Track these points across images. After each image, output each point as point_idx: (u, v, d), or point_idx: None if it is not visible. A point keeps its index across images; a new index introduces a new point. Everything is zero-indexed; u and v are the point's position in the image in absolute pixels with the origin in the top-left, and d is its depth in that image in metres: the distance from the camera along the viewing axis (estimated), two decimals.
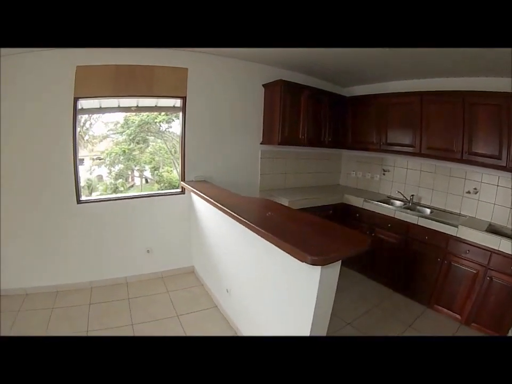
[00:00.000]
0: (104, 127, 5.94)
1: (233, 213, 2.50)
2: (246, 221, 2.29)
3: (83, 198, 3.76)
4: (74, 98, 3.40)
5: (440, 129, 3.71)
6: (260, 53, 3.77)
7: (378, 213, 4.09)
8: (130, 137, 4.53)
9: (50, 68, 3.25)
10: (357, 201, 4.39)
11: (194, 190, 3.57)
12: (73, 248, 3.72)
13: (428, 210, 4.03)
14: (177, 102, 4.01)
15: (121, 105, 4.14)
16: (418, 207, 4.17)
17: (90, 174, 8.52)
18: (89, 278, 3.82)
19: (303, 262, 1.70)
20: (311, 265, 1.73)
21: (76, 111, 3.47)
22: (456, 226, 3.31)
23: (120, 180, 4.95)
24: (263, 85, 4.27)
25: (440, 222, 3.48)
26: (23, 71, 3.18)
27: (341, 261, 1.89)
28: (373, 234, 4.07)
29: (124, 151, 6.46)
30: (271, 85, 4.17)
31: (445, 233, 3.42)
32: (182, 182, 4.03)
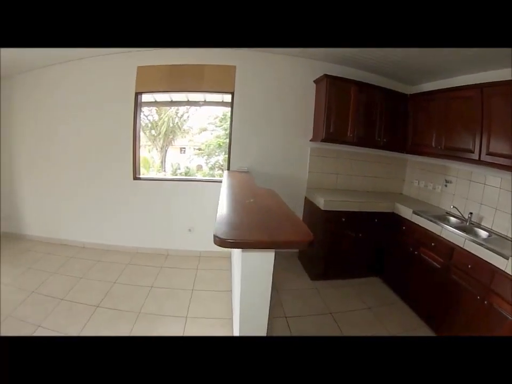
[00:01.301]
0: (205, 120, 6.59)
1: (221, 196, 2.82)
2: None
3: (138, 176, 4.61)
4: (135, 93, 4.22)
5: (506, 130, 2.87)
6: (310, 49, 3.83)
7: (425, 229, 3.43)
8: (227, 132, 4.78)
9: (116, 68, 4.22)
10: (406, 212, 3.82)
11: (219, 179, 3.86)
12: (126, 215, 4.66)
13: (485, 234, 3.22)
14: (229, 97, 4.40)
15: (190, 100, 4.73)
16: (475, 229, 3.34)
17: (190, 162, 9.53)
18: (136, 243, 4.68)
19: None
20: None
21: (137, 104, 4.29)
22: (507, 258, 2.49)
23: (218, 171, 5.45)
24: (314, 81, 4.25)
25: (488, 249, 2.69)
26: (96, 72, 4.28)
27: (273, 251, 1.93)
28: (415, 253, 3.50)
29: (220, 145, 7.13)
30: (318, 80, 4.15)
31: (491, 264, 2.62)
32: (225, 171, 4.37)
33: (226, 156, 4.54)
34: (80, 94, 4.40)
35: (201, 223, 4.51)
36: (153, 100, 4.73)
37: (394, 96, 4.23)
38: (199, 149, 9.64)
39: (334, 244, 3.87)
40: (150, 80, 4.18)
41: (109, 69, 4.24)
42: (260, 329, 2.12)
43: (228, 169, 4.44)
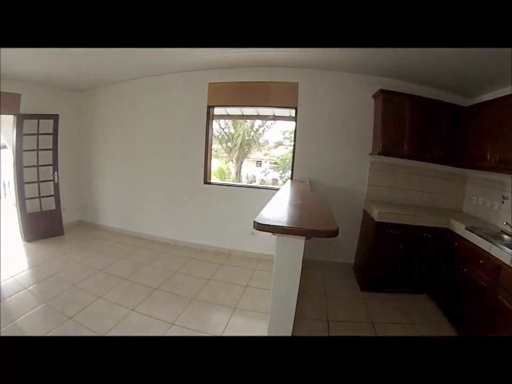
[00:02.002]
0: (281, 134, 6.90)
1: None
2: None
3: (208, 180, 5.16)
4: (208, 106, 4.78)
5: None
6: (368, 64, 3.95)
7: (475, 245, 3.16)
8: None
9: (190, 83, 4.90)
10: (459, 228, 3.56)
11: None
12: (194, 215, 5.24)
13: None
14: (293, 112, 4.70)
15: (260, 114, 5.14)
16: None
17: (265, 175, 9.84)
18: (201, 241, 5.21)
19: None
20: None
21: (209, 116, 4.86)
22: None
23: None
24: (372, 96, 4.33)
25: None
26: (171, 87, 5.03)
27: (303, 237, 2.14)
28: (465, 270, 3.24)
29: None
30: (375, 95, 4.21)
31: None
32: (288, 181, 4.64)
33: None
34: (157, 106, 5.26)
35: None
36: (226, 113, 5.19)
37: (450, 109, 4.09)
38: (275, 163, 9.99)
39: (385, 256, 3.83)
40: (221, 95, 4.73)
41: (183, 84, 4.96)
42: (289, 310, 2.32)
43: (291, 179, 4.68)
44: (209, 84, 4.73)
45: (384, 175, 4.51)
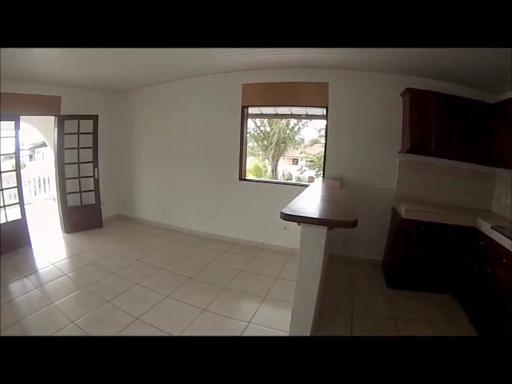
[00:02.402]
0: (316, 133, 6.96)
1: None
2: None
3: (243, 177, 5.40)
4: (242, 106, 5.01)
5: None
6: (396, 64, 3.95)
7: (499, 244, 3.04)
8: None
9: (225, 85, 5.14)
10: (485, 228, 3.44)
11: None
12: (229, 210, 5.51)
13: None
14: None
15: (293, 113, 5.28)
16: None
17: (301, 173, 9.93)
18: (235, 235, 5.47)
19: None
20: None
21: (243, 115, 5.08)
22: None
23: None
24: (400, 94, 4.32)
25: None
26: (208, 88, 5.33)
27: (326, 227, 2.30)
28: (488, 270, 3.14)
29: None
30: (403, 94, 4.21)
31: None
32: (319, 178, 4.72)
33: None
34: (193, 106, 5.57)
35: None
36: (260, 112, 5.37)
37: (478, 106, 3.97)
38: (311, 161, 10.03)
39: (411, 253, 3.82)
40: (253, 95, 4.94)
41: (218, 85, 5.22)
42: (311, 296, 2.48)
43: (323, 177, 4.80)
44: (242, 85, 4.96)
45: (413, 173, 4.49)
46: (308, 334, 2.57)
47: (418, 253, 3.79)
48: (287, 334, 2.71)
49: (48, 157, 13.45)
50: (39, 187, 9.02)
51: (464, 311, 3.47)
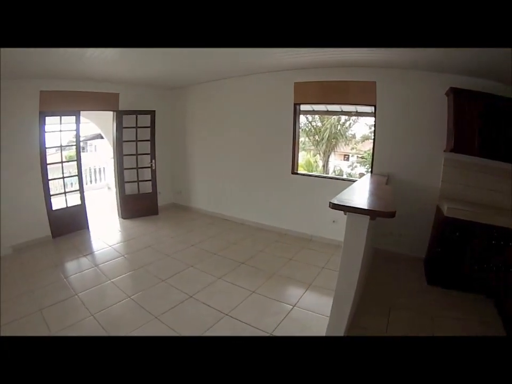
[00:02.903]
0: (368, 129, 7.00)
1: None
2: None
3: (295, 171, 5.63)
4: (294, 103, 5.24)
5: None
6: (443, 63, 3.92)
7: None
8: None
9: (278, 83, 5.40)
10: None
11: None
12: (281, 202, 5.78)
13: None
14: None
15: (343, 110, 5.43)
16: None
17: (352, 169, 9.89)
18: (285, 226, 5.76)
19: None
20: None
21: (295, 112, 5.30)
22: None
23: None
24: (445, 94, 4.27)
25: None
26: (261, 86, 5.63)
27: (368, 216, 2.49)
28: None
29: None
30: (447, 93, 4.16)
31: None
32: (368, 174, 4.87)
33: None
34: (247, 102, 5.91)
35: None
36: (311, 109, 5.54)
37: None
38: (362, 157, 9.94)
39: (452, 251, 3.82)
40: (305, 93, 5.14)
41: (271, 83, 5.48)
42: (353, 279, 2.65)
43: (371, 173, 4.90)
44: (295, 83, 5.17)
45: (458, 172, 4.42)
46: (346, 319, 2.75)
47: (458, 251, 3.79)
48: (327, 319, 2.88)
49: (100, 148, 14.55)
50: (92, 177, 9.81)
51: (497, 312, 3.43)
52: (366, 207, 2.52)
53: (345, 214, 2.57)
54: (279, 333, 2.97)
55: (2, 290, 3.70)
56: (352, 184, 3.95)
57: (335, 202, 2.54)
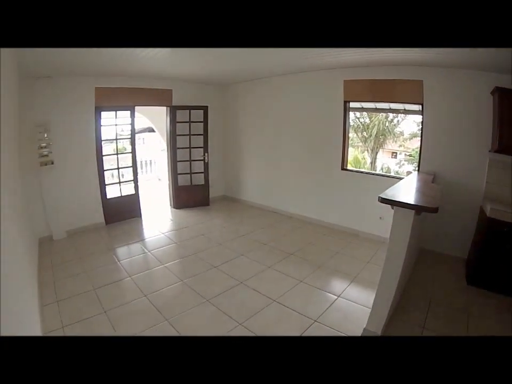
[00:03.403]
0: (416, 126, 6.94)
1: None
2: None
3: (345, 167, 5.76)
4: (344, 101, 5.36)
5: None
6: (489, 62, 3.80)
7: None
8: None
9: (327, 80, 5.53)
10: None
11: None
12: (329, 197, 5.92)
13: None
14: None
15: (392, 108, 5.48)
16: None
17: (400, 167, 9.72)
18: (333, 221, 5.91)
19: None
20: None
21: (345, 109, 5.41)
22: None
23: None
24: (490, 93, 4.15)
25: None
26: (310, 83, 5.81)
27: (413, 211, 2.62)
28: None
29: None
30: (492, 92, 4.05)
31: None
32: (415, 172, 4.88)
33: None
34: (298, 99, 6.08)
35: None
36: (360, 106, 5.61)
37: None
38: (410, 155, 9.72)
39: (494, 253, 3.73)
40: (355, 91, 5.22)
41: (321, 80, 5.61)
42: (396, 270, 2.78)
43: (418, 171, 4.90)
44: (344, 81, 5.27)
45: (502, 173, 4.27)
46: (388, 310, 2.86)
47: (500, 253, 3.70)
48: (369, 310, 3.00)
49: (148, 141, 15.23)
50: (141, 168, 10.32)
51: None
52: (410, 202, 2.68)
53: (392, 208, 2.74)
54: (322, 320, 3.15)
55: (58, 271, 4.17)
56: (399, 181, 4.04)
57: (384, 197, 2.74)
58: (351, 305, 3.43)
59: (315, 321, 3.13)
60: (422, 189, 3.40)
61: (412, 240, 2.85)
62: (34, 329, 2.59)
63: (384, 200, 2.71)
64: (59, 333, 2.94)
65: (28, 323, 2.37)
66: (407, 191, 3.31)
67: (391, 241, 2.79)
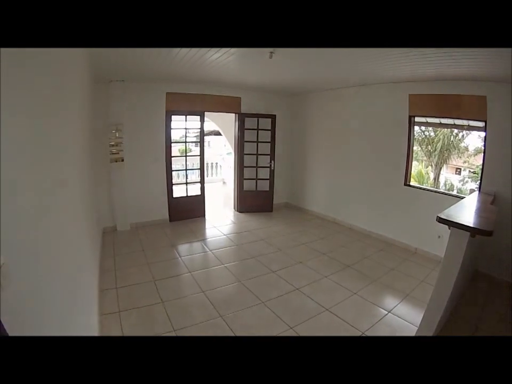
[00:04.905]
0: (481, 141, 6.75)
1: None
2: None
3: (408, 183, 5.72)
4: (409, 116, 5.39)
5: None
6: None
7: None
8: None
9: (391, 94, 5.60)
10: None
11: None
12: (391, 212, 5.93)
13: None
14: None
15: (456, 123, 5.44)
16: None
17: (463, 185, 9.32)
18: (392, 235, 5.91)
19: None
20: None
21: (410, 124, 5.42)
22: None
23: None
24: None
25: None
26: (375, 96, 5.92)
27: (468, 233, 2.68)
28: None
29: None
30: None
31: None
32: (476, 192, 4.76)
33: None
34: (366, 112, 6.14)
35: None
36: (425, 121, 5.56)
37: None
38: (474, 172, 9.19)
39: None
40: (419, 105, 5.22)
41: (387, 94, 5.67)
42: (446, 292, 2.84)
43: (479, 190, 4.75)
44: (410, 95, 5.29)
45: None
46: (434, 329, 2.91)
47: None
48: (416, 329, 3.11)
49: (214, 145, 15.85)
50: (207, 170, 10.68)
51: None
52: (465, 223, 2.71)
53: (449, 229, 2.83)
54: (370, 333, 3.24)
55: (121, 261, 4.59)
56: (460, 201, 4.03)
57: (441, 216, 2.83)
58: (399, 322, 3.48)
59: (362, 333, 3.23)
60: (480, 211, 3.41)
61: (465, 262, 2.91)
62: (91, 311, 2.78)
63: (442, 220, 2.80)
64: (115, 317, 3.28)
65: (85, 306, 2.54)
66: (465, 211, 3.36)
67: (445, 261, 2.90)
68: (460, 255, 2.75)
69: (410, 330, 3.24)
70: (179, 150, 8.80)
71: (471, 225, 2.71)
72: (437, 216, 2.82)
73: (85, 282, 2.67)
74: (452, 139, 9.26)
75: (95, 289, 3.40)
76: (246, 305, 3.65)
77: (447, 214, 2.93)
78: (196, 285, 4.03)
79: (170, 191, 6.34)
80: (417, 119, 5.49)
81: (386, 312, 3.64)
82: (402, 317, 3.57)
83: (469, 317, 3.63)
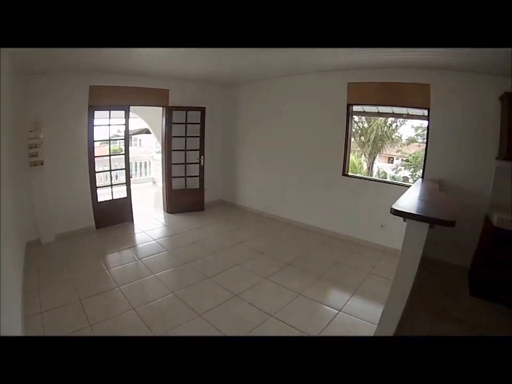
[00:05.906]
0: (413, 131, 6.79)
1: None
2: None
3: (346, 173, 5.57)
4: (347, 104, 5.20)
5: None
6: (498, 66, 3.63)
7: None
8: None
9: (330, 83, 5.37)
10: None
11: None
12: (329, 204, 5.73)
13: None
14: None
15: (394, 112, 5.33)
16: None
17: (396, 172, 9.64)
18: (332, 228, 5.72)
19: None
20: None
21: (348, 113, 5.25)
22: None
23: None
24: (499, 98, 4.01)
25: None
26: (314, 86, 5.62)
27: (427, 224, 2.46)
28: None
29: None
30: (500, 97, 3.92)
31: None
32: (419, 179, 4.71)
33: None
34: (299, 102, 5.90)
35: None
36: (362, 110, 5.43)
37: None
38: (407, 161, 9.71)
39: (498, 264, 3.60)
40: (358, 94, 5.07)
41: (324, 82, 5.45)
42: (406, 287, 2.64)
43: (422, 178, 4.74)
44: (348, 83, 5.12)
45: (510, 181, 4.07)
46: (394, 328, 2.73)
47: (505, 264, 3.55)
48: (374, 326, 2.90)
49: (145, 143, 14.96)
50: (136, 170, 10.00)
51: None
52: (426, 215, 2.51)
53: (404, 221, 2.58)
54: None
55: (44, 277, 3.94)
56: (400, 189, 4.02)
57: (396, 208, 2.56)
58: (353, 321, 3.25)
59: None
60: (434, 199, 3.26)
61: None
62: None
63: (397, 212, 2.52)
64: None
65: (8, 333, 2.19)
66: (418, 201, 3.14)
67: (403, 255, 2.65)
68: (420, 248, 2.54)
69: (367, 328, 3.05)
70: (114, 150, 7.94)
71: (430, 215, 2.51)
72: (391, 208, 2.54)
73: (7, 307, 2.33)
74: (385, 129, 9.50)
75: (19, 316, 2.93)
76: (181, 320, 3.18)
77: (400, 205, 2.67)
78: (126, 301, 3.49)
79: (95, 195, 5.60)
80: (355, 108, 5.36)
81: (337, 311, 3.40)
82: (355, 314, 3.36)
83: (423, 304, 3.53)
